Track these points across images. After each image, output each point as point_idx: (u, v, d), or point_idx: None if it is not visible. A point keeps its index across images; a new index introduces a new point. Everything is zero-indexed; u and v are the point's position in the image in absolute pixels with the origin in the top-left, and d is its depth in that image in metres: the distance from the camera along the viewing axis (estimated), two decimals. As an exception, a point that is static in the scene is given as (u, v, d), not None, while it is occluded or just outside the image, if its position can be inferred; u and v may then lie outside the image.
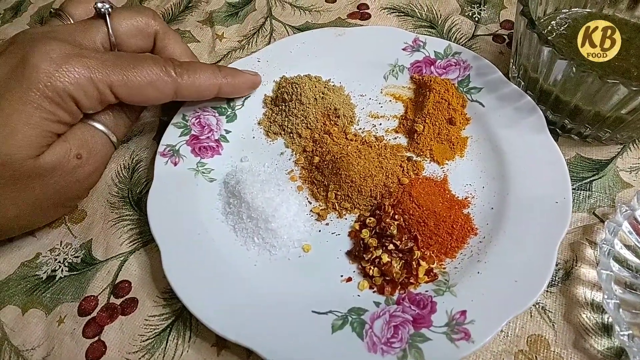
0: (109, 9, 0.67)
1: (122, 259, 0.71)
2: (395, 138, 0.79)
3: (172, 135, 0.77)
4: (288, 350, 0.57)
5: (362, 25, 0.97)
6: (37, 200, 0.62)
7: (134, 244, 0.72)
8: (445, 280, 0.63)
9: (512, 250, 0.63)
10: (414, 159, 0.75)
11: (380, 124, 0.81)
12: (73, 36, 0.65)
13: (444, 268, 0.64)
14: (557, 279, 0.64)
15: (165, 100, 0.69)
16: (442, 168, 0.74)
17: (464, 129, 0.77)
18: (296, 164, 0.77)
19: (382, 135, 0.79)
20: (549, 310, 0.62)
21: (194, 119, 0.79)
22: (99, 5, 0.67)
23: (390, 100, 0.83)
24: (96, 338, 0.64)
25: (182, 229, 0.68)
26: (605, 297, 0.58)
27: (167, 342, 0.63)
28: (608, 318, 0.61)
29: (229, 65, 0.83)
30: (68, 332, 0.65)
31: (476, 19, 0.97)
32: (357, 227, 0.69)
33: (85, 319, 0.65)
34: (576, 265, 0.65)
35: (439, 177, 0.73)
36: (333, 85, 0.84)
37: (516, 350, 0.59)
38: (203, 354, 0.62)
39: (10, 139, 0.55)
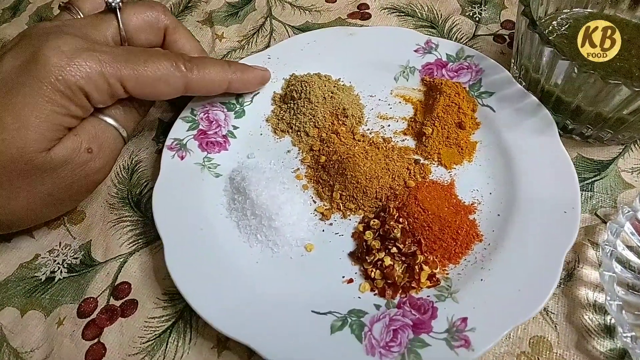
0: (120, 3, 0.67)
1: (121, 260, 0.70)
2: (404, 140, 0.78)
3: (180, 129, 0.77)
4: (287, 349, 0.57)
5: (362, 26, 0.97)
6: (48, 194, 0.62)
7: (133, 245, 0.71)
8: (448, 286, 0.62)
9: (517, 259, 0.62)
10: (422, 162, 0.74)
11: (389, 126, 0.80)
12: (84, 30, 0.64)
13: (447, 274, 0.63)
14: (559, 280, 0.63)
15: (176, 95, 0.69)
16: (449, 172, 0.73)
17: (473, 133, 0.76)
18: (302, 163, 0.77)
19: (390, 137, 0.78)
20: (551, 312, 0.61)
21: (203, 113, 0.79)
22: None
23: (400, 102, 0.82)
24: (96, 340, 0.63)
25: (186, 223, 0.68)
26: (608, 298, 0.57)
27: (167, 344, 0.62)
28: (610, 319, 0.60)
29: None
30: (67, 334, 0.64)
31: (477, 19, 0.96)
32: (361, 229, 0.68)
33: (85, 321, 0.65)
34: (578, 267, 0.64)
35: (446, 182, 0.72)
36: (343, 85, 0.84)
37: (518, 352, 0.59)
38: (204, 356, 0.61)
39: (22, 132, 0.56)
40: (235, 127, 0.79)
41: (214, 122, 0.79)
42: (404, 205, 0.68)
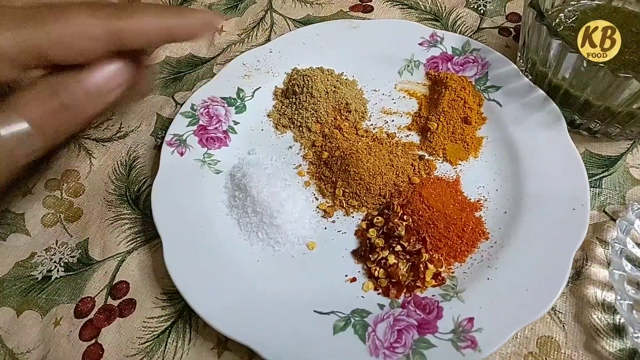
0: None
1: (119, 259, 0.69)
2: (408, 136, 0.77)
3: (179, 125, 0.76)
4: (288, 350, 0.56)
5: (365, 19, 0.96)
6: None
7: (132, 243, 0.71)
8: (453, 285, 0.61)
9: (525, 257, 0.61)
10: (426, 158, 0.74)
11: (393, 121, 0.79)
12: None
13: (453, 272, 0.63)
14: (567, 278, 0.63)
15: (107, 51, 0.52)
16: (454, 168, 0.73)
17: (479, 128, 0.76)
18: (304, 159, 0.76)
19: (394, 132, 0.77)
20: (559, 311, 0.60)
21: (203, 108, 0.78)
22: None
23: (404, 97, 0.82)
24: (93, 341, 0.63)
25: (185, 221, 0.67)
26: (618, 298, 0.57)
27: (166, 345, 0.62)
28: (620, 319, 0.59)
29: (237, 57, 0.82)
30: (64, 335, 0.63)
31: (481, 11, 0.95)
32: (364, 226, 0.67)
33: (82, 321, 0.64)
34: (586, 265, 0.63)
35: (451, 178, 0.71)
36: (345, 79, 0.83)
37: (526, 353, 0.58)
38: (203, 357, 0.61)
39: None
40: (236, 123, 0.79)
41: (215, 118, 0.78)
42: (408, 202, 0.67)
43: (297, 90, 0.79)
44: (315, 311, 0.60)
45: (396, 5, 0.98)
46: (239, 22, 1.00)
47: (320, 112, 0.78)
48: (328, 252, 0.67)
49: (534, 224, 0.64)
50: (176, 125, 0.76)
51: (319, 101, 0.78)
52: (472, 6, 0.96)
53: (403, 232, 0.64)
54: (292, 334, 0.58)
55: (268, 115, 0.81)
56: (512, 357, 0.58)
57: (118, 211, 0.74)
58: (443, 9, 0.96)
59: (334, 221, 0.69)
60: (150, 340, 0.62)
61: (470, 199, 0.69)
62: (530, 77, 0.77)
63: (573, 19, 0.77)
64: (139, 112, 0.86)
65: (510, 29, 0.92)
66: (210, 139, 0.76)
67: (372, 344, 0.56)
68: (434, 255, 0.63)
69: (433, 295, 0.60)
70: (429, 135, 0.75)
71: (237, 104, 0.80)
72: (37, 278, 0.69)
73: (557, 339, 0.59)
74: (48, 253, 0.71)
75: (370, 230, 0.66)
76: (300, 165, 0.75)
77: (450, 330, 0.56)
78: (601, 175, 0.71)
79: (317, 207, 0.71)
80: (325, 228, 0.69)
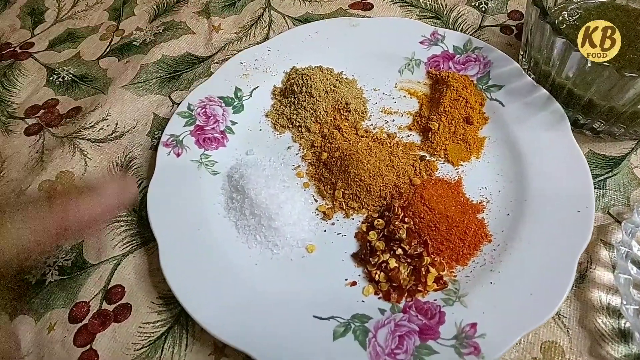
0: None
1: (115, 262, 0.68)
2: (409, 136, 0.76)
3: (176, 125, 0.76)
4: (287, 357, 0.56)
5: (364, 16, 0.95)
6: None
7: (127, 246, 0.70)
8: (456, 289, 0.60)
9: (529, 260, 0.60)
10: (427, 158, 0.73)
11: (393, 121, 0.78)
12: None
13: (455, 276, 0.62)
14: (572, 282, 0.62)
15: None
16: (456, 169, 0.72)
17: (481, 128, 0.75)
18: (303, 160, 0.75)
19: (395, 133, 0.77)
20: (563, 316, 0.60)
21: (200, 108, 0.77)
22: None
23: (405, 96, 0.81)
24: (88, 347, 0.62)
25: (182, 223, 0.66)
26: (624, 302, 0.56)
27: (162, 351, 0.61)
28: (625, 323, 0.58)
29: (235, 56, 0.82)
30: (58, 340, 0.63)
31: (483, 9, 0.94)
32: (365, 229, 0.67)
33: (77, 326, 0.63)
34: (591, 268, 0.62)
35: (453, 179, 0.71)
36: (345, 78, 0.82)
37: (529, 358, 0.57)
38: (201, 363, 0.60)
39: None
40: (233, 123, 0.78)
41: (212, 118, 0.77)
42: (409, 204, 0.66)
43: (296, 90, 0.78)
44: (314, 316, 0.59)
45: (396, 3, 0.97)
46: (237, 20, 0.99)
47: (320, 112, 0.77)
48: (327, 255, 0.66)
49: (538, 226, 0.63)
50: (172, 126, 0.75)
51: (318, 101, 0.77)
52: (473, 4, 0.95)
53: (404, 235, 0.63)
54: (291, 340, 0.57)
55: (266, 115, 0.80)
56: (514, 362, 0.57)
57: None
58: (444, 6, 0.95)
59: (333, 223, 0.69)
60: (146, 346, 0.61)
61: (472, 201, 0.68)
62: (532, 76, 0.76)
63: (576, 17, 0.76)
64: (135, 112, 0.85)
65: (512, 27, 0.91)
66: (207, 140, 0.75)
67: (372, 350, 0.56)
68: (435, 259, 0.63)
69: (435, 300, 0.59)
70: (430, 136, 0.74)
71: (235, 103, 0.80)
72: (31, 282, 0.68)
73: (562, 344, 0.58)
74: (42, 256, 0.70)
75: (371, 232, 0.65)
76: (299, 166, 0.75)
77: (453, 336, 0.56)
78: (605, 176, 0.71)
79: (317, 209, 0.70)
80: (325, 230, 0.68)
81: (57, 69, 0.95)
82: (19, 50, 1.00)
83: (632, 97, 0.63)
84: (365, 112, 0.79)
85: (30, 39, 1.02)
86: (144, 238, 0.69)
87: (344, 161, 0.69)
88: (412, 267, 0.62)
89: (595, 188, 0.67)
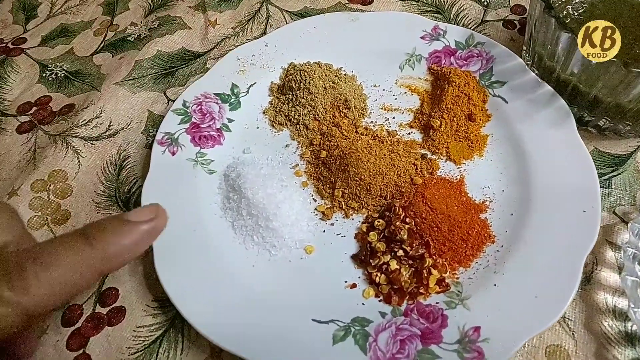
0: None
1: (109, 264, 0.67)
2: (409, 133, 0.76)
3: (171, 122, 0.75)
4: None
5: (364, 11, 0.94)
6: None
7: (121, 247, 0.69)
8: (458, 291, 0.60)
9: (533, 262, 0.60)
10: (429, 157, 0.72)
11: (394, 118, 0.78)
12: None
13: (457, 278, 0.61)
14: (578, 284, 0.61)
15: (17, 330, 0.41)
16: (458, 168, 0.71)
17: (484, 126, 0.74)
18: (302, 158, 0.74)
19: (395, 130, 0.76)
20: (568, 319, 0.59)
21: (195, 105, 0.77)
22: None
23: (406, 93, 0.80)
24: (81, 351, 0.61)
25: (177, 223, 0.63)
26: (632, 305, 0.55)
27: (157, 355, 0.60)
28: (632, 326, 0.57)
29: (232, 51, 0.81)
30: (51, 344, 0.62)
31: (485, 3, 0.93)
32: (365, 229, 0.66)
33: (69, 330, 0.63)
34: (596, 269, 0.62)
35: (455, 178, 0.70)
36: (344, 74, 0.82)
37: None
38: (197, 368, 0.59)
39: None
40: (230, 120, 0.78)
41: (208, 115, 0.76)
42: (410, 204, 0.65)
43: (294, 86, 0.77)
44: (313, 320, 0.58)
45: (396, -3, 0.96)
46: (234, 15, 0.98)
47: (318, 109, 0.76)
48: (327, 256, 0.65)
49: (542, 226, 0.62)
50: (167, 123, 0.74)
51: (317, 97, 0.76)
52: (475, -2, 0.94)
53: (405, 236, 0.62)
54: (289, 344, 0.56)
55: (264, 112, 0.80)
56: (519, 367, 0.56)
57: (107, 213, 0.72)
58: (445, 0, 0.94)
59: (332, 224, 0.68)
60: (141, 350, 0.61)
61: (475, 200, 0.67)
62: (536, 72, 0.75)
63: (581, 11, 0.75)
64: (130, 109, 0.84)
65: (515, 22, 0.90)
66: (203, 138, 0.74)
67: (373, 354, 0.55)
68: (437, 260, 0.62)
69: (437, 303, 0.59)
70: (431, 133, 0.73)
71: (231, 100, 0.79)
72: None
73: (567, 347, 0.57)
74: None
75: (371, 233, 0.64)
76: (297, 164, 0.74)
77: (456, 340, 0.55)
78: (610, 175, 0.70)
79: (315, 209, 0.69)
80: (324, 231, 0.67)
81: (50, 65, 0.94)
82: (11, 46, 0.98)
83: (639, 94, 0.62)
84: (365, 109, 0.78)
85: (22, 35, 1.01)
86: (138, 239, 0.68)
87: (343, 160, 0.68)
88: (413, 269, 0.61)
89: (600, 187, 0.66)
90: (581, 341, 0.58)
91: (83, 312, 0.64)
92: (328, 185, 0.70)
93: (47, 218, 0.73)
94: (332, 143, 0.72)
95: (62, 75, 0.92)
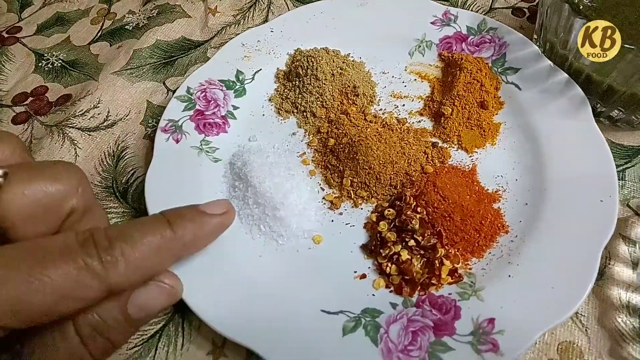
0: (1, 178, 0.44)
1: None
2: (420, 121, 0.75)
3: (174, 109, 0.74)
4: (293, 353, 0.54)
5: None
6: None
7: (121, 238, 0.68)
8: (471, 282, 0.59)
9: (549, 252, 0.59)
10: (440, 145, 0.72)
11: (404, 105, 0.77)
12: None
13: (470, 269, 0.61)
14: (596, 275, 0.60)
15: (93, 304, 0.44)
16: (470, 156, 0.71)
17: (496, 113, 0.74)
18: (309, 146, 0.74)
19: (405, 118, 0.75)
20: (581, 314, 0.59)
21: (199, 92, 0.76)
22: None
23: (415, 79, 0.80)
24: (79, 346, 0.60)
25: (181, 213, 0.64)
26: (647, 302, 0.54)
27: (156, 350, 0.60)
28: (646, 322, 0.57)
29: (236, 37, 0.81)
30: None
31: (493, -11, 0.93)
32: (374, 219, 0.65)
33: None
34: (609, 264, 0.61)
35: (466, 167, 0.69)
36: (352, 61, 0.81)
37: None
38: (197, 363, 0.59)
39: None
40: (235, 107, 0.77)
41: (212, 102, 0.76)
42: (421, 193, 0.65)
43: (301, 73, 0.77)
44: (322, 311, 0.58)
45: (405, -18, 0.96)
46: (234, 2, 0.98)
47: (326, 96, 0.76)
48: (335, 246, 0.65)
49: (558, 216, 0.62)
50: (171, 110, 0.74)
51: (324, 84, 0.76)
52: (484, -16, 0.94)
53: (417, 226, 0.62)
54: (298, 336, 0.56)
55: (269, 100, 0.79)
56: (530, 364, 0.56)
57: (104, 205, 0.72)
58: (453, -13, 0.94)
59: (341, 213, 0.68)
60: (139, 345, 0.60)
61: (487, 190, 0.67)
62: (548, 60, 0.75)
63: (594, -2, 0.75)
64: (128, 99, 0.83)
65: (525, 10, 0.90)
66: (207, 125, 0.74)
67: (384, 346, 0.54)
68: (450, 251, 0.62)
69: (450, 294, 0.58)
70: (442, 121, 0.73)
71: (237, 87, 0.78)
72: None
73: (580, 344, 0.57)
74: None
75: (381, 223, 0.63)
76: (304, 153, 0.74)
77: (470, 332, 0.54)
78: (624, 167, 0.69)
79: (323, 198, 0.69)
80: (332, 221, 0.67)
81: (46, 55, 0.94)
82: (6, 35, 0.98)
83: (655, 84, 0.62)
84: (374, 96, 0.78)
85: (17, 23, 1.01)
86: (137, 230, 0.67)
87: (352, 148, 0.68)
88: (425, 259, 0.61)
89: (614, 178, 0.66)
90: (594, 338, 0.57)
91: (80, 305, 0.63)
92: (336, 174, 0.70)
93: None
94: (340, 131, 0.72)
95: (59, 64, 0.92)
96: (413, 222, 0.62)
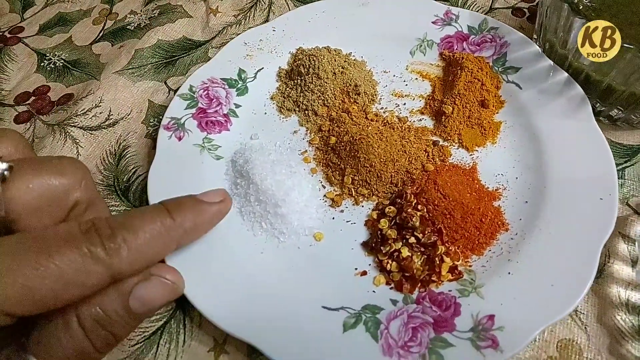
0: (6, 172, 0.45)
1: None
2: (421, 120, 0.76)
3: (177, 107, 0.75)
4: (294, 348, 0.55)
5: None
6: None
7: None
8: (471, 279, 0.60)
9: (548, 250, 0.59)
10: (441, 143, 0.72)
11: (405, 104, 0.78)
12: None
13: (470, 266, 0.61)
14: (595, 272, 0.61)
15: (98, 289, 0.46)
16: (471, 155, 0.71)
17: (497, 112, 0.74)
18: (310, 144, 0.74)
19: (406, 116, 0.76)
20: (580, 312, 0.59)
21: (202, 90, 0.77)
22: None
23: (417, 78, 0.80)
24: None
25: (183, 210, 0.65)
26: (646, 299, 0.55)
27: (158, 347, 0.60)
28: (645, 320, 0.57)
29: (239, 36, 0.81)
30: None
31: (493, -11, 0.94)
32: (375, 216, 0.66)
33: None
34: (609, 262, 0.62)
35: (467, 165, 0.70)
36: (354, 60, 0.82)
37: (545, 357, 0.56)
38: (199, 360, 0.59)
39: None
40: (237, 106, 0.78)
41: (214, 100, 0.76)
42: (422, 190, 0.65)
43: (303, 71, 0.78)
44: (323, 307, 0.58)
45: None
46: (235, 2, 0.98)
47: (327, 95, 0.76)
48: (336, 243, 0.65)
49: (558, 214, 0.62)
50: (174, 108, 0.74)
51: (326, 83, 0.76)
52: (483, -16, 0.95)
53: (417, 223, 0.62)
54: (299, 332, 0.56)
55: (271, 98, 0.80)
56: (529, 361, 0.57)
57: (106, 202, 0.72)
58: (453, -13, 0.95)
59: (342, 211, 0.68)
60: (141, 342, 0.60)
61: (488, 188, 0.67)
62: (548, 60, 0.76)
63: (593, -2, 0.76)
64: (130, 98, 0.84)
65: (525, 10, 0.91)
66: (210, 123, 0.74)
67: (385, 342, 0.55)
68: (450, 248, 0.62)
69: (450, 291, 0.59)
70: (443, 120, 0.73)
71: (239, 85, 0.79)
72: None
73: (579, 342, 0.57)
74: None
75: (382, 220, 0.64)
76: (306, 151, 0.74)
77: (469, 328, 0.55)
78: (623, 166, 0.70)
79: (325, 195, 0.69)
80: (333, 218, 0.67)
81: (48, 55, 0.94)
82: (8, 35, 0.99)
83: (654, 82, 0.62)
84: (375, 95, 0.78)
85: (19, 23, 1.01)
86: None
87: (353, 146, 0.69)
88: (425, 257, 0.61)
89: (613, 177, 0.67)
90: (593, 335, 0.58)
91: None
92: (337, 172, 0.70)
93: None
94: (341, 129, 0.73)
95: (61, 64, 0.93)
96: (414, 219, 0.62)
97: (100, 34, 0.97)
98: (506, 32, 0.79)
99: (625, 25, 0.68)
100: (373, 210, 0.67)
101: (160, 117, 0.75)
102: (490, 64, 0.77)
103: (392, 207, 0.65)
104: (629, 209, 0.66)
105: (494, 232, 0.63)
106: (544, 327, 0.53)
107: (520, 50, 0.77)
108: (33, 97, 0.87)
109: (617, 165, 0.68)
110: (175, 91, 0.76)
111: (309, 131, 0.76)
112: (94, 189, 0.53)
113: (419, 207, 0.64)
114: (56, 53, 0.94)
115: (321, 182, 0.71)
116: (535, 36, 0.80)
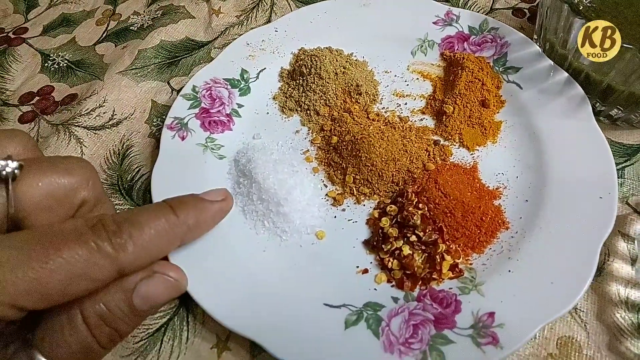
0: (16, 170, 0.46)
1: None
2: (422, 119, 0.76)
3: (180, 107, 0.75)
4: (296, 345, 0.55)
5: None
6: None
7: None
8: (472, 277, 0.60)
9: (549, 248, 0.60)
10: (442, 143, 0.73)
11: (406, 104, 0.78)
12: None
13: (471, 264, 0.62)
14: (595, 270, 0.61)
15: (105, 284, 0.47)
16: (472, 154, 0.71)
17: (498, 112, 0.75)
18: (312, 144, 0.75)
19: (407, 116, 0.76)
20: (580, 310, 0.59)
21: (205, 90, 0.77)
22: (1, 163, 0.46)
23: (418, 78, 0.81)
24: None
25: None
26: (646, 297, 0.56)
27: (161, 344, 0.61)
28: (644, 318, 0.58)
29: (241, 36, 0.81)
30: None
31: (494, -10, 0.94)
32: (376, 215, 0.66)
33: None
34: (608, 260, 0.62)
35: (468, 164, 0.70)
36: (355, 60, 0.82)
37: (545, 354, 0.57)
38: (202, 357, 0.59)
39: None
40: (239, 106, 0.78)
41: (217, 100, 0.77)
42: (423, 189, 0.66)
43: (305, 72, 0.78)
44: (325, 304, 0.59)
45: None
46: (238, 3, 0.99)
47: (329, 95, 0.76)
48: (338, 242, 0.65)
49: (558, 212, 0.63)
50: (177, 108, 0.75)
51: (328, 83, 0.77)
52: (484, -15, 0.96)
53: (419, 222, 0.63)
54: (301, 329, 0.56)
55: (274, 98, 0.80)
56: (530, 358, 0.57)
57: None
58: (454, -13, 0.96)
59: (344, 209, 0.68)
60: (145, 339, 0.61)
61: (488, 187, 0.68)
62: (548, 61, 0.76)
63: (593, -2, 0.76)
64: (133, 98, 0.84)
65: (525, 10, 0.91)
66: (212, 123, 0.75)
67: (386, 339, 0.55)
68: (451, 246, 0.62)
69: (450, 288, 0.59)
70: (444, 119, 0.74)
71: (241, 85, 0.79)
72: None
73: (579, 339, 0.58)
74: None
75: (383, 219, 0.64)
76: (308, 150, 0.74)
77: (470, 325, 0.55)
78: (623, 165, 0.70)
79: (326, 194, 0.70)
80: (335, 217, 0.68)
81: (52, 55, 0.95)
82: (13, 36, 0.99)
83: (653, 82, 0.63)
84: (377, 94, 0.79)
85: (23, 24, 1.02)
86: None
87: (354, 145, 0.69)
88: (426, 255, 0.62)
89: (613, 176, 0.67)
90: (593, 333, 0.58)
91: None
92: (339, 171, 0.71)
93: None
94: (343, 129, 0.73)
95: (65, 65, 0.93)
96: (415, 218, 0.62)
97: (104, 35, 0.97)
98: (507, 32, 0.79)
99: (625, 25, 0.68)
100: (374, 209, 0.67)
101: (164, 117, 0.76)
102: (491, 64, 0.78)
103: (393, 205, 0.65)
104: (629, 208, 0.66)
105: (494, 230, 0.63)
106: (543, 324, 0.53)
107: (520, 51, 0.77)
108: (37, 97, 0.88)
109: (616, 164, 0.68)
110: (179, 91, 0.77)
111: (310, 131, 0.76)
112: (101, 188, 0.54)
113: (420, 205, 0.64)
114: (60, 53, 0.95)
115: (323, 181, 0.71)
116: (535, 36, 0.80)
